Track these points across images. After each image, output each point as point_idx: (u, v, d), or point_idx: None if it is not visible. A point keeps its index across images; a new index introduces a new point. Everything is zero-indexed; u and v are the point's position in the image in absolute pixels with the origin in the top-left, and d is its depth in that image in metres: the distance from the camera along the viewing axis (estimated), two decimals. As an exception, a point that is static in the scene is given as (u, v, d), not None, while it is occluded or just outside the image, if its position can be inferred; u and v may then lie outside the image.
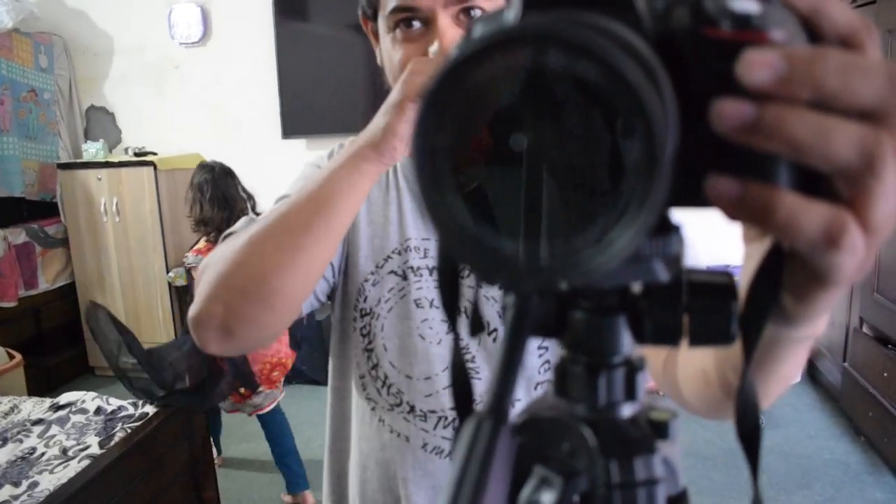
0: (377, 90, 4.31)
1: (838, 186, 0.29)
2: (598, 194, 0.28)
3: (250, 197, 3.13)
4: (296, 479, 3.14)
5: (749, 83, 0.27)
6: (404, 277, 0.99)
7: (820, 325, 0.42)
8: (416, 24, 0.86)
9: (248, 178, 4.74)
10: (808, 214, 0.28)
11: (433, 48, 0.84)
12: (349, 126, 4.24)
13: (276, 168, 4.53)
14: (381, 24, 0.92)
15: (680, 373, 0.74)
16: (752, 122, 0.27)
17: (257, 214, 3.35)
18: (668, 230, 0.31)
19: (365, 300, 0.99)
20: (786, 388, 0.58)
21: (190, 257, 3.23)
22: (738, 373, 0.35)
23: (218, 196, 2.98)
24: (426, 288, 0.98)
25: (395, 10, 0.86)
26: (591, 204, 0.28)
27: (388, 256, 1.00)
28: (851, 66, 0.27)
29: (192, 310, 0.78)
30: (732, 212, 0.29)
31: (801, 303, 0.36)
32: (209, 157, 4.76)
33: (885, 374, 3.20)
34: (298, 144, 4.55)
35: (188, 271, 3.39)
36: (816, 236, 0.29)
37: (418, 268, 0.98)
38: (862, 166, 0.28)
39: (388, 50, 0.91)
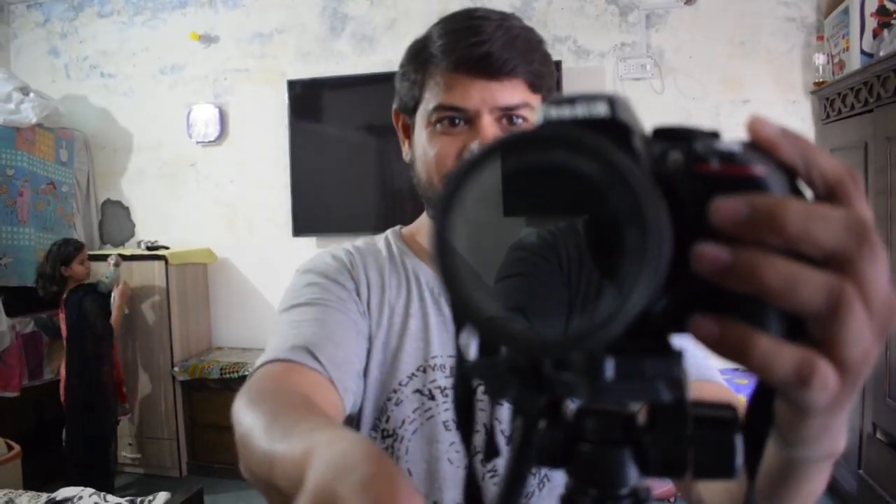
0: (386, 191, 4.42)
1: (811, 328, 0.32)
2: (598, 279, 0.31)
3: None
4: None
5: (717, 225, 0.30)
6: (431, 397, 0.94)
7: (835, 444, 0.43)
8: (459, 122, 0.89)
9: (258, 274, 4.81)
10: (781, 357, 0.31)
11: (474, 146, 0.86)
12: (358, 226, 4.32)
13: (286, 265, 4.58)
14: (420, 118, 0.94)
15: (706, 489, 0.72)
16: (727, 266, 0.30)
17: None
18: (668, 354, 0.33)
19: (387, 420, 0.94)
20: None
21: None
22: (764, 496, 0.36)
23: (56, 261, 3.94)
24: (453, 409, 0.94)
25: (440, 107, 0.89)
26: (593, 286, 0.31)
27: (413, 374, 0.95)
28: (811, 214, 0.30)
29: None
30: (713, 349, 0.31)
31: (793, 428, 0.39)
32: (220, 253, 4.85)
33: (901, 483, 3.11)
34: (308, 242, 4.61)
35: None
36: (789, 376, 0.31)
37: (445, 388, 0.94)
38: (828, 312, 0.30)
39: (424, 143, 0.93)
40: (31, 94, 4.57)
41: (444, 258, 0.31)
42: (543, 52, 0.93)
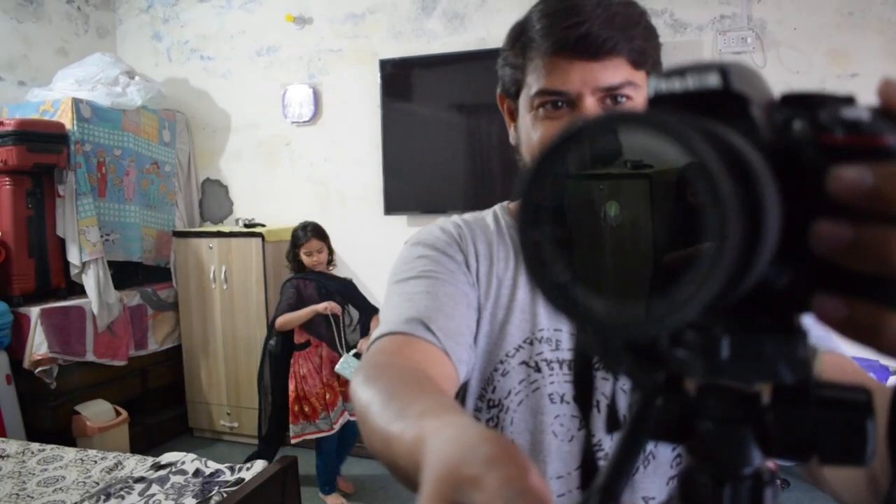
0: (476, 170, 4.42)
1: None
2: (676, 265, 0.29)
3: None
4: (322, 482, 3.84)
5: (835, 196, 0.28)
6: (537, 370, 0.94)
7: None
8: (562, 105, 0.89)
9: (350, 251, 4.90)
10: None
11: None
12: (448, 205, 4.35)
13: (378, 243, 4.67)
14: (523, 102, 0.94)
15: (831, 471, 0.69)
16: (849, 244, 0.27)
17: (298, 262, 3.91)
18: (792, 333, 0.31)
19: (494, 391, 0.95)
20: None
21: None
22: None
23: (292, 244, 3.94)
24: (558, 382, 0.93)
25: (542, 92, 0.89)
26: (668, 272, 0.29)
27: (519, 346, 0.95)
28: None
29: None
30: (840, 332, 0.29)
31: None
32: (314, 230, 4.95)
33: None
34: (399, 221, 4.67)
35: None
36: None
37: (551, 361, 0.94)
38: None
39: (528, 127, 0.93)
40: (137, 78, 4.77)
41: (525, 230, 0.30)
42: (646, 25, 0.91)
